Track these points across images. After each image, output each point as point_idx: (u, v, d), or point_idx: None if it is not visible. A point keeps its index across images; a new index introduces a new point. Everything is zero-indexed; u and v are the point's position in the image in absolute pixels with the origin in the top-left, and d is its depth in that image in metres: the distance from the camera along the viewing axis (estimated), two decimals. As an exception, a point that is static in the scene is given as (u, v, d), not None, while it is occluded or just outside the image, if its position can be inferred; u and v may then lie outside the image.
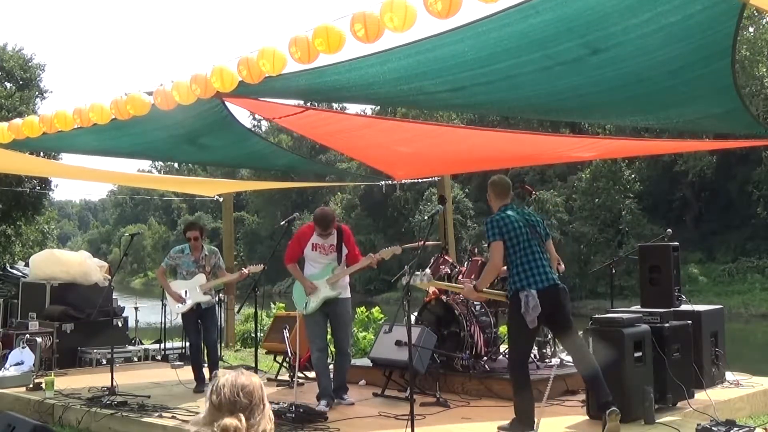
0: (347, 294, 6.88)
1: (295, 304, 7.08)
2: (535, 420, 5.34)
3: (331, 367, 7.02)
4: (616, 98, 5.78)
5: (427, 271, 7.35)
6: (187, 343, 8.43)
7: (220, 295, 7.96)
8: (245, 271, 7.77)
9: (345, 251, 6.80)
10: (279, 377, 8.19)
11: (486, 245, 6.79)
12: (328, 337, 7.14)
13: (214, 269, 7.76)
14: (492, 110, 8.55)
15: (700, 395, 6.24)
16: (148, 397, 7.10)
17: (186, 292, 7.64)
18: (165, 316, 10.60)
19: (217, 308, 7.96)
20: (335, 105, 29.24)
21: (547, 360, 7.51)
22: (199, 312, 7.65)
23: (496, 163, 11.49)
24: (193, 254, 7.72)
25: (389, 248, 6.82)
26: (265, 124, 58.99)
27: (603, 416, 5.21)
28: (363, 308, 12.50)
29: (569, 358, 7.47)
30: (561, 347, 7.85)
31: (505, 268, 5.67)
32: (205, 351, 7.87)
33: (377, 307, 12.83)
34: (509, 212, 5.60)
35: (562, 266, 6.04)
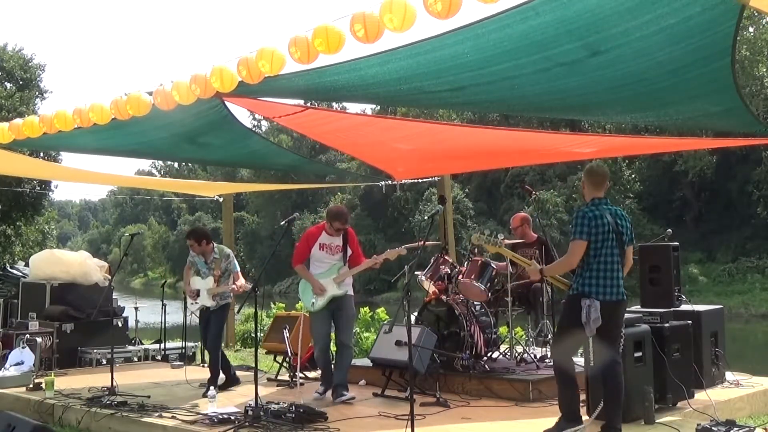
0: (351, 291, 7.14)
1: (301, 302, 7.25)
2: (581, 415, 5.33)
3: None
4: (616, 97, 5.78)
5: (500, 236, 7.15)
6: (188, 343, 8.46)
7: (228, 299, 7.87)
8: (234, 286, 7.60)
9: (349, 252, 7.05)
10: (279, 377, 8.21)
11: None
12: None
13: (225, 272, 7.65)
14: (492, 108, 8.57)
15: (700, 395, 6.24)
16: (148, 397, 7.09)
17: (200, 291, 7.67)
18: (165, 316, 10.63)
19: (224, 311, 7.87)
20: (335, 104, 29.23)
21: (547, 360, 7.49)
22: (207, 313, 7.71)
23: (496, 160, 11.48)
24: (203, 256, 7.72)
25: (393, 249, 7.05)
26: (265, 125, 58.99)
27: None
28: (367, 308, 12.45)
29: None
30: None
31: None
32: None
33: (383, 308, 12.78)
34: (603, 209, 5.27)
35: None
